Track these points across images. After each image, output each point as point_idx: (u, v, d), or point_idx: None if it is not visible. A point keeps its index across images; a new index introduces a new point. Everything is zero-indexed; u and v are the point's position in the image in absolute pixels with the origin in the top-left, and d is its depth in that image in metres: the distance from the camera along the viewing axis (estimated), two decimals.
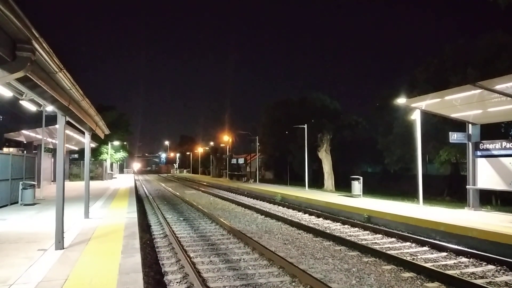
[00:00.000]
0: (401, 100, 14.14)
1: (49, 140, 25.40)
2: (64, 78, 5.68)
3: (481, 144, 12.99)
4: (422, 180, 14.41)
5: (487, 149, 12.74)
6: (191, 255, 8.13)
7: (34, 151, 25.49)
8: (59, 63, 5.13)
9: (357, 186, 18.21)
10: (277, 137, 41.62)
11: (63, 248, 6.74)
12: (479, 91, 10.24)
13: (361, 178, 18.43)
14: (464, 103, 11.63)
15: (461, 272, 6.95)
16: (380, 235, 10.48)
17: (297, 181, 32.85)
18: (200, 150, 73.91)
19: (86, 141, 11.51)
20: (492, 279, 6.59)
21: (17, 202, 14.08)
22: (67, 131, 19.24)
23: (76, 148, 37.06)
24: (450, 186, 25.01)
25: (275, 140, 42.28)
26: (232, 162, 48.70)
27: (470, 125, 13.37)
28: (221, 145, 56.14)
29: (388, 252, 8.19)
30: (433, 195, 21.45)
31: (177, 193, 25.78)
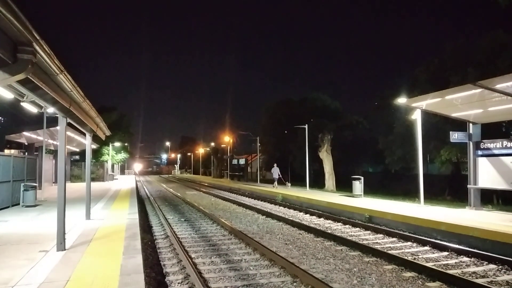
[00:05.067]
0: (401, 100, 14.14)
1: (50, 141, 25.45)
2: (65, 80, 5.70)
3: (482, 143, 12.99)
4: (423, 179, 14.40)
5: (488, 149, 12.74)
6: (193, 255, 8.14)
7: (35, 153, 25.53)
8: (60, 65, 5.15)
9: (358, 186, 18.20)
10: (278, 137, 41.64)
11: (65, 250, 6.76)
12: (479, 90, 10.24)
13: (362, 178, 18.41)
14: (464, 103, 11.62)
15: (462, 271, 6.95)
16: (381, 235, 10.48)
17: (298, 181, 32.84)
18: (201, 150, 73.94)
19: (87, 143, 11.53)
20: (493, 278, 6.59)
21: (18, 204, 14.11)
22: (68, 133, 19.26)
23: (77, 150, 37.09)
24: (451, 186, 24.97)
25: (276, 140, 42.29)
26: (233, 163, 48.72)
27: (470, 124, 13.36)
28: (222, 145, 56.22)
29: (389, 252, 8.19)
30: (434, 195, 21.43)
31: (178, 194, 25.80)
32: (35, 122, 20.27)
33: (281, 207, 17.68)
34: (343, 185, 26.70)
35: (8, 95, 6.20)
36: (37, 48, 4.18)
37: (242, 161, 47.38)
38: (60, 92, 6.11)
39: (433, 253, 8.46)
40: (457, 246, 8.60)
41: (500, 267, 7.21)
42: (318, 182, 31.41)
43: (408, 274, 6.77)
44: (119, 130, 45.34)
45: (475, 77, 16.93)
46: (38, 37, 4.04)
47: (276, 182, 27.44)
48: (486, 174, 12.68)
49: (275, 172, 27.44)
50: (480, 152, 13.01)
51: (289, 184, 28.65)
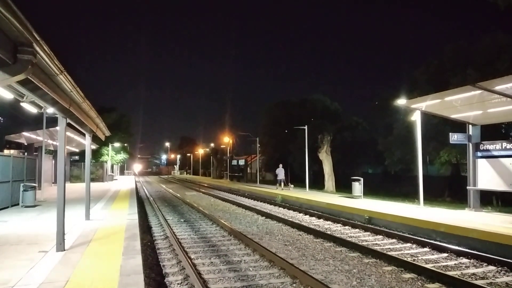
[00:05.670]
0: (401, 101, 14.16)
1: (50, 142, 25.44)
2: (65, 80, 5.71)
3: (482, 145, 13.00)
4: (423, 181, 14.41)
5: (488, 150, 12.75)
6: (192, 256, 8.13)
7: (35, 153, 25.53)
8: (60, 65, 5.15)
9: (357, 187, 18.21)
10: (278, 138, 41.65)
11: (64, 250, 6.75)
12: (479, 92, 10.26)
13: (362, 179, 18.43)
14: (464, 104, 11.64)
15: (461, 273, 6.95)
16: (380, 236, 10.48)
17: (298, 182, 32.82)
18: (200, 151, 73.93)
19: (87, 143, 11.52)
20: (492, 280, 6.59)
21: (18, 204, 14.09)
22: (68, 133, 19.24)
23: (77, 150, 37.06)
24: (451, 187, 24.98)
25: (276, 141, 42.31)
26: (232, 164, 48.72)
27: (470, 126, 13.37)
28: (222, 146, 56.17)
29: (389, 253, 8.19)
30: (434, 196, 21.44)
31: (178, 195, 25.79)
32: (35, 123, 20.27)
33: (280, 208, 17.68)
34: (343, 186, 26.71)
35: (8, 95, 6.21)
36: (37, 48, 4.18)
37: (241, 162, 47.38)
38: (60, 92, 6.11)
39: (433, 254, 8.46)
40: (456, 247, 8.59)
41: (500, 268, 7.21)
42: (317, 183, 31.42)
43: (408, 275, 6.77)
44: (118, 131, 45.30)
45: (474, 79, 16.95)
46: (38, 38, 4.04)
47: (282, 183, 26.15)
48: (486, 176, 12.69)
49: (280, 173, 26.30)
50: (479, 154, 13.02)
51: (292, 186, 27.30)
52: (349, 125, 37.81)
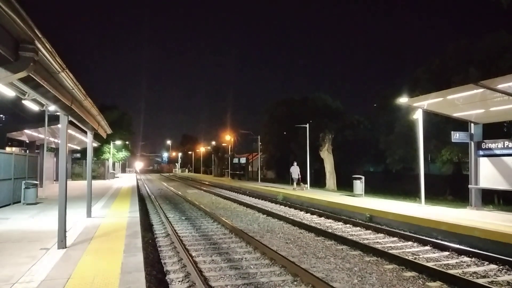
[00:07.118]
0: (403, 100, 14.11)
1: (52, 139, 25.49)
2: (67, 78, 5.70)
3: (483, 143, 12.97)
4: (424, 179, 14.37)
5: (490, 149, 12.72)
6: (193, 254, 8.14)
7: (36, 151, 25.60)
8: (62, 63, 5.15)
9: (359, 185, 18.20)
10: (279, 136, 41.65)
11: (66, 247, 6.77)
12: (481, 90, 10.23)
13: (363, 177, 18.41)
14: (466, 103, 11.60)
15: (463, 271, 6.95)
16: (382, 235, 10.48)
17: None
18: (202, 149, 73.98)
19: (88, 141, 11.53)
20: (494, 278, 6.58)
21: (19, 201, 14.13)
22: (69, 131, 19.26)
23: (78, 148, 37.17)
24: (452, 186, 24.94)
25: (277, 139, 42.31)
26: (234, 162, 48.74)
27: (472, 124, 13.34)
28: (223, 144, 56.19)
29: (390, 251, 8.18)
30: (435, 195, 21.40)
31: (179, 193, 25.82)
32: (37, 120, 20.33)
33: (281, 206, 17.68)
34: (344, 185, 26.69)
35: (10, 93, 6.23)
36: (39, 46, 4.18)
37: (243, 160, 47.40)
38: (62, 90, 6.11)
39: (434, 253, 8.45)
40: (457, 246, 8.59)
41: (501, 267, 7.20)
42: (319, 182, 31.38)
43: (409, 273, 6.77)
44: (120, 129, 45.31)
45: (477, 77, 16.92)
46: (40, 35, 4.04)
47: (295, 183, 23.56)
48: (487, 174, 12.66)
49: (295, 171, 23.56)
50: (481, 152, 12.99)
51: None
52: (351, 124, 37.74)
